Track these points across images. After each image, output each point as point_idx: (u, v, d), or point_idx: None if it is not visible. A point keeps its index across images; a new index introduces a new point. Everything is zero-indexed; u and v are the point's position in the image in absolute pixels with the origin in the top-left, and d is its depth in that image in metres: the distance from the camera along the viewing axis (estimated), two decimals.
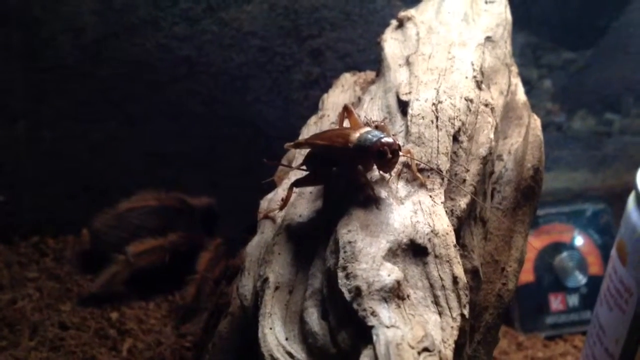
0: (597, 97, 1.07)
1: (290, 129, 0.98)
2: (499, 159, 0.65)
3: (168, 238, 0.90)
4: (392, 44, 0.68)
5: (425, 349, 0.43)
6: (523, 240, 0.63)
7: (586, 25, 1.04)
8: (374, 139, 0.52)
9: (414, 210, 0.52)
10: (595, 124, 1.08)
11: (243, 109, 1.00)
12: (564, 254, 1.01)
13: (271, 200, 0.63)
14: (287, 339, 0.50)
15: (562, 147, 1.07)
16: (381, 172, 0.54)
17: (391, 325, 0.45)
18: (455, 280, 0.49)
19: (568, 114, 1.07)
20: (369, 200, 0.52)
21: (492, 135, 0.59)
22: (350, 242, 0.49)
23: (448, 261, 0.49)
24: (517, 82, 0.72)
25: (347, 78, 0.76)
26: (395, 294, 0.47)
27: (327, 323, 0.49)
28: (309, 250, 0.54)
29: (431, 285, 0.48)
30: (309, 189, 0.60)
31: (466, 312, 0.48)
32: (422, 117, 0.57)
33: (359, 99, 0.68)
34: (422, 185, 0.53)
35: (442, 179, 0.54)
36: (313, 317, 0.50)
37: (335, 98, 0.73)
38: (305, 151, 0.60)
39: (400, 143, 0.57)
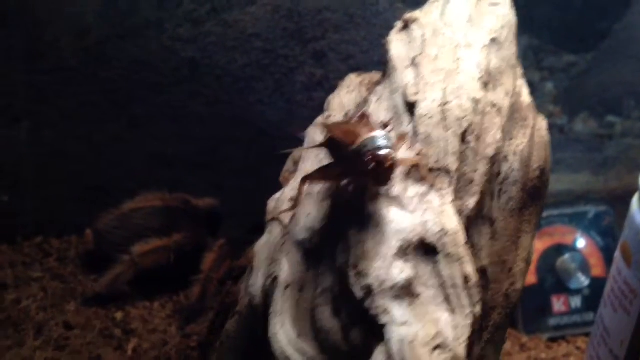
0: (599, 99, 1.08)
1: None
2: (505, 160, 0.65)
3: (173, 238, 0.90)
4: (397, 45, 0.68)
5: (438, 347, 0.44)
6: (530, 240, 0.63)
7: (588, 29, 1.04)
8: (369, 148, 0.51)
9: (424, 209, 0.52)
10: (597, 127, 1.08)
11: (246, 110, 1.00)
12: (566, 256, 1.01)
13: (278, 200, 0.63)
14: (298, 337, 0.50)
15: (564, 150, 1.07)
16: (375, 183, 0.52)
17: (403, 323, 0.45)
18: (466, 278, 0.49)
19: (570, 117, 1.07)
20: (378, 200, 0.52)
21: (499, 136, 0.59)
22: (360, 241, 0.50)
23: (458, 260, 0.50)
24: (522, 83, 0.72)
25: (352, 79, 0.76)
26: (406, 292, 0.47)
27: (338, 321, 0.49)
28: (319, 248, 0.54)
29: (442, 284, 0.49)
30: (317, 188, 0.60)
31: (477, 310, 0.48)
32: (430, 117, 0.58)
33: (365, 100, 0.69)
34: (431, 185, 0.54)
35: (451, 178, 0.55)
36: (325, 315, 0.50)
37: (341, 99, 0.73)
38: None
39: (408, 144, 0.57)
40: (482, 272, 0.56)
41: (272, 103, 1.00)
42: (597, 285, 0.97)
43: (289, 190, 0.64)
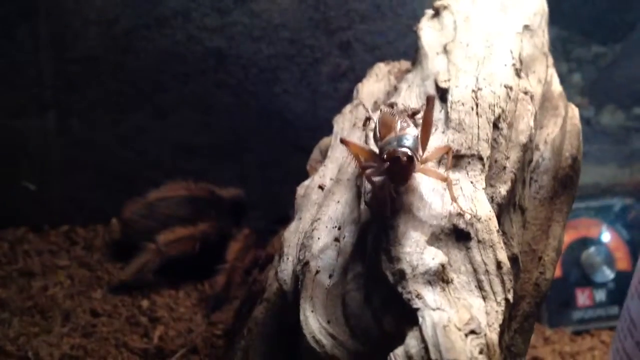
0: (627, 91, 1.07)
1: (318, 121, 0.99)
2: (536, 148, 0.65)
3: (198, 227, 0.91)
4: (428, 32, 0.68)
5: (472, 332, 0.43)
6: (561, 230, 0.63)
7: (616, 20, 1.03)
8: (390, 147, 0.50)
9: (456, 195, 0.52)
10: (624, 119, 1.07)
11: (271, 100, 1.00)
12: (592, 249, 1.00)
13: (308, 187, 0.63)
14: (329, 322, 0.50)
15: (591, 142, 1.06)
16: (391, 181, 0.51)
17: (437, 308, 0.45)
18: (499, 265, 0.48)
19: (597, 108, 1.06)
20: (411, 186, 0.52)
21: (531, 123, 0.59)
22: (393, 226, 0.49)
23: (491, 246, 0.49)
24: (552, 72, 0.71)
25: (381, 67, 0.76)
26: (439, 277, 0.47)
27: (369, 306, 0.49)
28: (349, 234, 0.54)
29: (475, 270, 0.48)
30: (347, 175, 0.60)
31: (510, 296, 0.48)
32: (462, 103, 0.57)
33: (395, 88, 0.68)
34: (448, 182, 0.52)
35: (483, 165, 0.54)
36: (355, 301, 0.50)
37: (370, 87, 0.73)
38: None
39: (441, 129, 0.57)
40: (513, 260, 0.55)
41: (297, 93, 1.00)
42: (622, 278, 0.96)
43: (318, 178, 0.64)
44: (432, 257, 0.47)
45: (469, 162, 0.54)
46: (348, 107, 0.72)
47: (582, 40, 1.02)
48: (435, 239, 0.50)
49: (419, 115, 0.59)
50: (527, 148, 0.58)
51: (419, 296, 0.45)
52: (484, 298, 0.47)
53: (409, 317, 0.45)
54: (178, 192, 0.94)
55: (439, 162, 0.55)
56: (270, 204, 1.00)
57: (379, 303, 0.48)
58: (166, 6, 0.94)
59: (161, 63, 0.96)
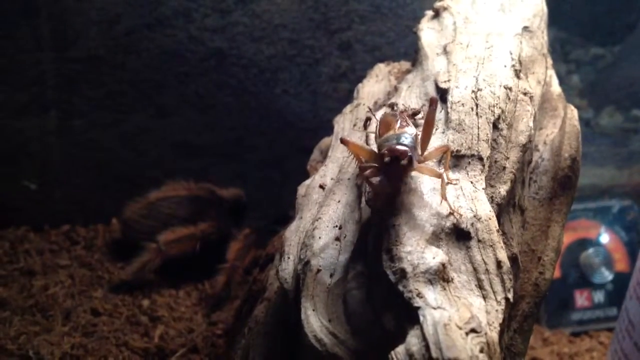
0: (625, 93, 1.07)
1: (318, 121, 0.99)
2: (535, 149, 0.65)
3: (199, 227, 0.91)
4: (428, 33, 0.68)
5: (473, 330, 0.44)
6: (560, 230, 0.63)
7: (615, 22, 1.04)
8: (388, 144, 0.50)
9: (456, 195, 0.52)
10: (622, 121, 1.07)
11: (272, 101, 1.00)
12: (590, 251, 1.00)
13: (309, 187, 0.64)
14: (330, 321, 0.50)
15: (589, 144, 1.07)
16: (388, 179, 0.51)
17: (438, 307, 0.45)
18: (499, 264, 0.49)
19: (595, 110, 1.07)
20: (412, 186, 0.52)
21: (531, 124, 0.59)
22: (394, 225, 0.50)
23: (491, 245, 0.50)
24: (552, 73, 0.72)
25: (381, 68, 0.76)
26: (440, 276, 0.47)
27: (370, 305, 0.49)
28: (350, 233, 0.54)
29: (475, 269, 0.49)
30: (348, 175, 0.60)
31: (510, 296, 0.48)
32: (462, 104, 0.58)
33: (395, 88, 0.69)
34: (442, 179, 0.52)
35: (483, 165, 0.54)
36: (356, 299, 0.50)
37: (370, 87, 0.73)
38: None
39: (441, 130, 0.57)
40: (513, 260, 0.56)
41: (298, 94, 1.00)
42: (621, 280, 0.97)
43: (319, 177, 0.64)
44: (433, 256, 0.48)
45: (469, 162, 0.55)
46: (348, 108, 0.72)
47: (581, 42, 1.03)
48: (435, 238, 0.50)
49: (419, 116, 0.59)
50: (527, 148, 0.59)
51: (419, 295, 0.46)
52: (484, 297, 0.48)
53: (409, 316, 0.45)
54: (179, 192, 0.94)
55: (440, 162, 0.55)
56: (271, 204, 1.00)
57: (379, 302, 0.49)
58: (167, 6, 0.94)
59: (162, 63, 0.96)
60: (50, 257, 0.93)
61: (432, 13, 0.72)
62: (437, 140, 0.56)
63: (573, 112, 0.67)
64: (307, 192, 0.63)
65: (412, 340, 0.44)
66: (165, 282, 0.91)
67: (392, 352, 0.44)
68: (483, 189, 0.54)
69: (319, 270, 0.53)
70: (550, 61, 0.72)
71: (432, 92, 0.61)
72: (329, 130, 0.73)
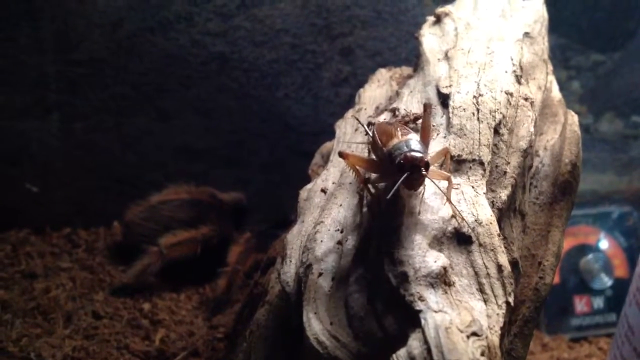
0: (625, 99, 1.07)
1: (319, 126, 1.00)
2: (536, 154, 0.65)
3: (200, 231, 0.91)
4: (430, 38, 0.69)
5: (474, 334, 0.44)
6: (560, 235, 0.63)
7: (615, 28, 1.04)
8: (401, 152, 0.50)
9: (457, 200, 0.53)
10: (622, 127, 1.08)
11: (273, 105, 1.00)
12: (590, 256, 1.01)
13: (310, 191, 0.64)
14: (331, 324, 0.50)
15: (589, 150, 1.07)
16: (406, 188, 0.51)
17: (439, 310, 0.45)
18: (500, 268, 0.49)
19: (595, 116, 1.07)
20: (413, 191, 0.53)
21: (532, 129, 0.60)
22: (395, 230, 0.50)
23: (492, 250, 0.50)
24: (552, 79, 0.72)
25: (382, 73, 0.77)
26: (441, 280, 0.47)
27: (372, 308, 0.50)
28: (352, 237, 0.55)
29: (476, 273, 0.49)
30: (349, 179, 0.60)
31: (511, 300, 0.48)
32: (464, 109, 0.58)
33: (397, 93, 0.69)
34: (449, 181, 0.53)
35: (484, 170, 0.55)
36: (358, 302, 0.50)
37: (372, 92, 0.74)
38: None
39: (443, 134, 0.58)
40: (513, 264, 0.56)
41: (299, 98, 1.01)
42: (620, 286, 0.97)
43: (321, 181, 0.64)
44: (435, 260, 0.48)
45: (470, 167, 0.55)
46: (350, 112, 0.72)
47: (581, 48, 1.03)
48: (437, 242, 0.50)
49: (421, 121, 0.60)
50: (528, 154, 0.59)
51: (421, 298, 0.46)
52: (485, 301, 0.48)
53: (411, 319, 0.46)
54: (180, 196, 0.95)
55: (441, 166, 0.56)
56: (272, 208, 1.01)
57: (381, 305, 0.49)
58: (170, 10, 0.95)
59: (164, 67, 0.97)
60: (51, 259, 0.93)
61: (433, 19, 0.72)
62: (438, 145, 0.56)
63: (573, 118, 0.67)
64: (309, 196, 0.63)
65: (414, 343, 0.44)
66: (166, 286, 0.91)
67: (394, 355, 0.44)
68: (484, 193, 0.54)
69: (320, 274, 0.53)
70: (550, 67, 0.72)
71: (434, 97, 0.61)
72: (330, 134, 0.74)
